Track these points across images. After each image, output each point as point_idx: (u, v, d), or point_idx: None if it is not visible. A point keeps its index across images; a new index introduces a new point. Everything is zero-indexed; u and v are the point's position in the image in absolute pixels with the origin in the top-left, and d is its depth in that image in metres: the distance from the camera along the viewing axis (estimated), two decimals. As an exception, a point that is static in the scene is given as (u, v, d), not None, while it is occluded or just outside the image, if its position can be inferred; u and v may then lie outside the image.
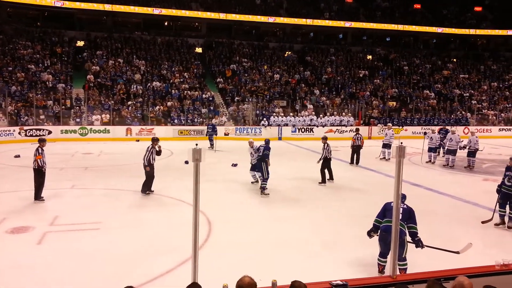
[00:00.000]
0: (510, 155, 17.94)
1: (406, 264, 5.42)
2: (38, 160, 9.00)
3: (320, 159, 11.62)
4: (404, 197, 5.73)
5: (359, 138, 14.66)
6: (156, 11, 31.81)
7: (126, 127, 22.15)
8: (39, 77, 24.46)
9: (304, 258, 6.23)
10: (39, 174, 9.10)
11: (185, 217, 7.75)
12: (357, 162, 14.60)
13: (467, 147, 14.39)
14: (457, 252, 5.63)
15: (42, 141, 9.43)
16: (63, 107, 22.65)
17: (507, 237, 7.32)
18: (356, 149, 14.67)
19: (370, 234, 5.80)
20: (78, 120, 22.27)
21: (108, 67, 26.79)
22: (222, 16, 33.37)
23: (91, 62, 26.87)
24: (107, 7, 30.61)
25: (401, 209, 5.36)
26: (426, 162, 15.32)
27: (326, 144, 11.67)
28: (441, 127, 18.46)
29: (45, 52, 26.84)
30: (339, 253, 6.44)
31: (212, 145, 19.04)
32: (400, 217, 5.28)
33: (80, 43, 29.49)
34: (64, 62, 26.80)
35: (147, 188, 9.87)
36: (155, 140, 10.09)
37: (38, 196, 9.06)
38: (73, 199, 9.48)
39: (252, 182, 11.42)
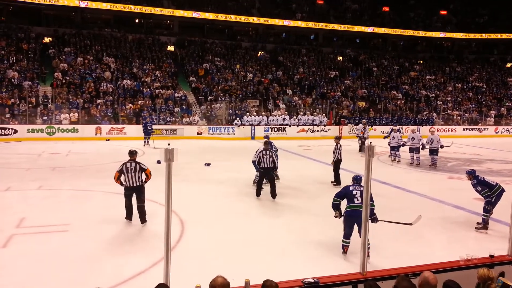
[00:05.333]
0: (474, 153, 18.65)
1: (369, 245, 5.72)
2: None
3: (333, 161, 11.29)
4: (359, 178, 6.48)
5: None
6: (127, 8, 31.22)
7: (96, 126, 21.65)
8: (5, 74, 23.56)
9: (276, 256, 6.29)
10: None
11: (157, 217, 7.68)
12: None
13: (428, 146, 14.80)
14: (410, 224, 6.32)
15: (130, 154, 7.66)
16: (30, 105, 21.93)
17: (471, 232, 7.62)
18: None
19: (334, 209, 6.37)
20: (45, 118, 21.59)
21: (77, 65, 26.10)
22: (195, 15, 33.14)
23: (58, 59, 26.10)
24: (76, 3, 29.82)
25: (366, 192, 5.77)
26: (392, 160, 15.72)
27: (339, 145, 11.27)
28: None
29: (10, 48, 25.82)
30: (310, 250, 6.54)
31: (148, 142, 19.30)
32: (361, 200, 5.91)
33: (47, 40, 28.57)
34: (30, 59, 25.93)
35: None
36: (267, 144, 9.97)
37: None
38: (40, 200, 9.21)
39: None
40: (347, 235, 6.18)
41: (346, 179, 11.74)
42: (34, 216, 7.98)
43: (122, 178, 7.45)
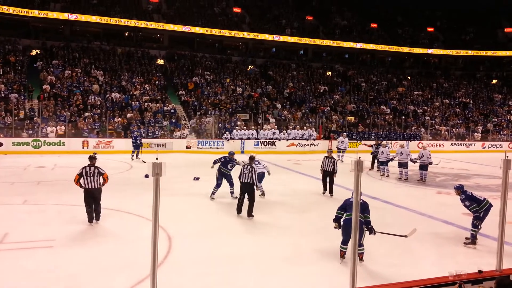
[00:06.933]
0: (462, 168, 18.79)
1: (363, 249, 6.49)
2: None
3: (334, 173, 11.64)
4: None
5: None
6: (117, 21, 31.28)
7: (83, 139, 21.37)
8: (-10, 86, 23.31)
9: (264, 273, 6.20)
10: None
11: (144, 233, 7.54)
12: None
13: (418, 161, 14.90)
14: (405, 236, 6.59)
15: (90, 159, 8.32)
16: (16, 118, 21.62)
17: (460, 247, 7.62)
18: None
19: (334, 221, 6.70)
20: (31, 132, 21.29)
21: (65, 77, 25.92)
22: (185, 29, 33.32)
23: (46, 72, 25.90)
24: (65, 15, 29.81)
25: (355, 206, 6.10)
26: (381, 175, 15.77)
27: (331, 158, 11.76)
28: (376, 143, 17.92)
29: (-3, 60, 25.67)
30: (299, 266, 6.47)
31: (137, 156, 18.73)
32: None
33: (35, 52, 28.36)
34: (17, 71, 25.68)
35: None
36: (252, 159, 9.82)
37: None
38: (25, 215, 8.99)
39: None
40: (345, 241, 6.57)
41: (339, 194, 11.78)
42: (18, 231, 7.77)
43: (81, 181, 8.05)
